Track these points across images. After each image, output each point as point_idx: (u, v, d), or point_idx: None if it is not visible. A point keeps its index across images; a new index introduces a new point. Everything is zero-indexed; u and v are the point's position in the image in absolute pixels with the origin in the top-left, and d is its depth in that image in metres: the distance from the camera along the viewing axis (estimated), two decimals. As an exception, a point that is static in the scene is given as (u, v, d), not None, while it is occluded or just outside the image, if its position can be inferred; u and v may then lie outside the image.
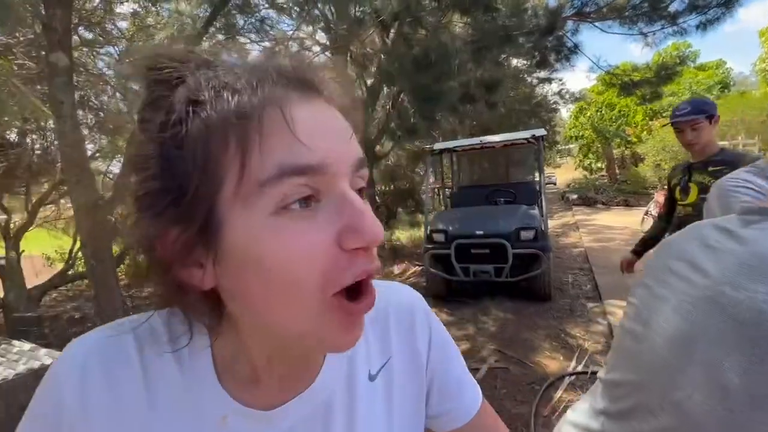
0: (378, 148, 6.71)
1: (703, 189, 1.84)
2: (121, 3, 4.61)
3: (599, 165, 23.34)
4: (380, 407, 0.42)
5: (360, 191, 0.32)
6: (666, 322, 0.61)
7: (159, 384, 0.35)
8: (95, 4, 4.49)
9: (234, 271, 0.28)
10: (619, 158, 21.72)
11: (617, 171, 20.50)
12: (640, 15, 5.21)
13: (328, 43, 6.23)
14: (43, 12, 2.63)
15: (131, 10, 5.21)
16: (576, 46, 6.08)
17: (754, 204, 0.60)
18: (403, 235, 8.67)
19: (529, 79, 11.22)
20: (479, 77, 6.05)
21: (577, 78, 22.32)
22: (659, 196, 8.06)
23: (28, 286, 5.09)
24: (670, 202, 2.10)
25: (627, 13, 5.34)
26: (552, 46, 6.50)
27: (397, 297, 0.48)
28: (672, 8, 5.08)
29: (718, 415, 0.52)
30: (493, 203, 5.00)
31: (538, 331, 3.54)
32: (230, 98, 0.27)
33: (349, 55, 5.67)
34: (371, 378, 0.43)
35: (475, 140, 5.12)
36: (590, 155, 23.60)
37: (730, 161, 1.76)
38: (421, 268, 5.89)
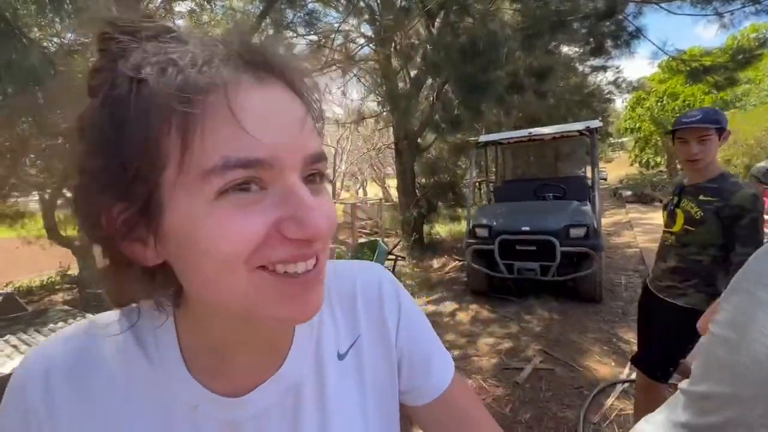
0: (420, 140, 6.65)
1: (689, 220, 1.59)
2: (182, 0, 4.87)
3: (658, 160, 21.62)
4: (352, 386, 0.42)
5: (312, 180, 0.30)
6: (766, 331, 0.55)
7: (129, 379, 0.35)
8: (157, 4, 4.78)
9: (174, 250, 0.28)
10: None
11: (679, 166, 18.90)
12: (716, -7, 4.71)
13: (372, 35, 6.23)
14: (115, 12, 2.82)
15: (188, 9, 5.50)
16: (638, 30, 5.63)
17: None
18: (443, 230, 8.56)
19: (581, 68, 10.57)
20: (528, 66, 5.79)
21: (634, 66, 20.67)
22: None
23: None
24: None
25: (700, -8, 4.86)
26: (609, 32, 6.08)
27: (365, 275, 0.47)
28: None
29: None
30: (541, 198, 4.79)
31: (586, 334, 3.37)
32: (174, 77, 0.25)
33: (393, 46, 5.63)
34: (340, 357, 0.43)
35: (524, 132, 4.90)
36: (648, 149, 21.90)
37: (722, 192, 1.50)
38: (461, 262, 5.80)
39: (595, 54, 6.84)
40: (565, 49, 8.74)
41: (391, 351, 0.45)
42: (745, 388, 0.57)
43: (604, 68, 10.54)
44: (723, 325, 0.64)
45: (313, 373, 0.41)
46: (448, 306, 4.34)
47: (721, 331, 0.63)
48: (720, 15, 5.00)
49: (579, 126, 4.56)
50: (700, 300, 1.56)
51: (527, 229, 3.89)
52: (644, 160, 22.09)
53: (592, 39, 6.29)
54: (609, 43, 6.22)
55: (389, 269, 5.65)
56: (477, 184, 6.11)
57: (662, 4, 5.47)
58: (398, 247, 6.54)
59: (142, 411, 0.34)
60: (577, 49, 8.51)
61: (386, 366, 0.45)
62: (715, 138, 1.53)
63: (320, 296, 0.31)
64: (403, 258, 6.33)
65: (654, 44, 5.93)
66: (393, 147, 7.35)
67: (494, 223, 4.16)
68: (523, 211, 4.25)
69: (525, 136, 4.79)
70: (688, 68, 6.05)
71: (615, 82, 12.16)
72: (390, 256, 5.70)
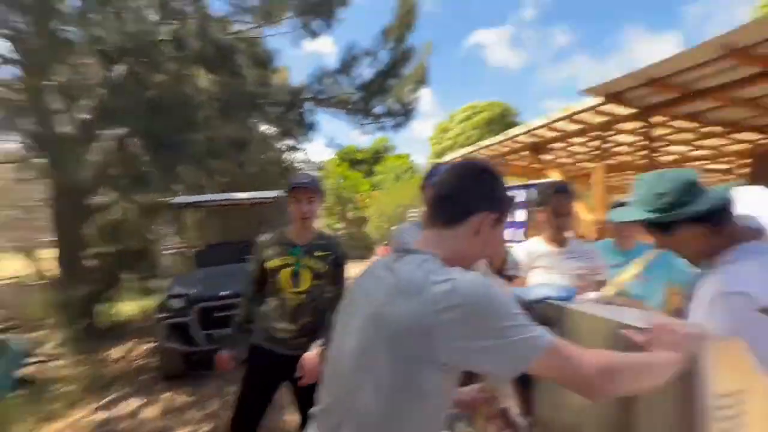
0: (92, 198, 5.32)
1: (317, 275, 1.79)
2: None
3: (339, 225, 27.41)
4: None
5: None
6: (351, 341, 0.76)
7: None
8: None
9: None
10: (353, 220, 26.35)
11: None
12: (357, 110, 6.80)
13: (18, 57, 4.67)
14: None
15: None
16: (312, 124, 7.17)
17: (402, 245, 0.86)
18: (129, 308, 6.95)
19: (278, 145, 12.15)
20: (227, 135, 6.03)
21: (318, 149, 26.04)
22: (380, 251, 10.30)
23: None
24: (263, 280, 1.82)
25: (349, 107, 6.85)
26: (295, 120, 7.40)
27: None
28: (376, 111, 6.97)
29: (380, 406, 0.69)
30: (243, 261, 4.85)
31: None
32: None
33: (50, 78, 4.43)
34: None
35: (223, 196, 4.95)
36: (332, 216, 27.44)
37: (331, 246, 1.84)
38: (155, 344, 4.83)
39: (286, 136, 8.08)
40: (263, 127, 9.85)
41: None
42: (339, 388, 0.77)
43: (295, 148, 12.61)
44: (331, 349, 0.85)
45: None
46: (131, 404, 3.44)
47: (330, 354, 0.84)
48: (361, 125, 7.22)
49: (273, 194, 5.08)
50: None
51: (226, 293, 3.77)
52: (331, 224, 27.48)
53: (282, 123, 7.42)
54: (295, 129, 7.54)
55: (26, 380, 3.87)
56: (177, 249, 5.51)
57: (329, 108, 7.29)
58: (53, 342, 4.71)
59: None
60: (274, 129, 9.77)
61: None
62: (318, 201, 1.81)
63: None
64: (58, 357, 4.58)
65: (324, 138, 7.76)
66: (49, 205, 5.49)
67: (192, 291, 3.81)
68: (225, 275, 4.13)
69: (223, 201, 4.84)
70: (349, 159, 8.21)
71: (305, 161, 14.74)
72: (32, 359, 3.99)
